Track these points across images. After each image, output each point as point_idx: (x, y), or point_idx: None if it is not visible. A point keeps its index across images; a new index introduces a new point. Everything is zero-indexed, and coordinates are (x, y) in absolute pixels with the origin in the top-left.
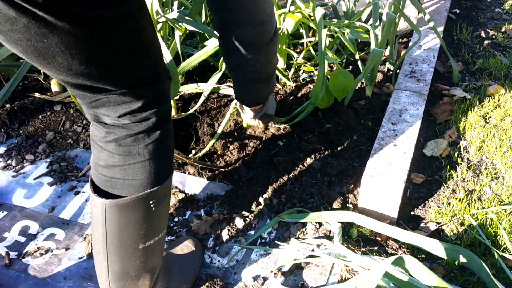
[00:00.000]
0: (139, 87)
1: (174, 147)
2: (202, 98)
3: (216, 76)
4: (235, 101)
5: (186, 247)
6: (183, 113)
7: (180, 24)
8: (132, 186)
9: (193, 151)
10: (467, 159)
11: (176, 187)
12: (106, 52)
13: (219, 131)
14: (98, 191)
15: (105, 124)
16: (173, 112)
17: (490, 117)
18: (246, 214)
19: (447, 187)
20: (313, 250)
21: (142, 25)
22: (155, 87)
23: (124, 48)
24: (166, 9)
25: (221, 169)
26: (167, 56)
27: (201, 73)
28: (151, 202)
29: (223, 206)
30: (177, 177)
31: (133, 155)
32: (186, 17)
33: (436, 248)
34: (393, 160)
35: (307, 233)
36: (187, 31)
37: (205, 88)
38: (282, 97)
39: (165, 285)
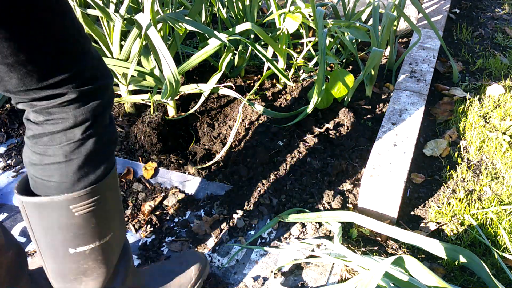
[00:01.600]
0: (56, 86)
1: (173, 143)
2: (202, 99)
3: (216, 77)
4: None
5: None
6: (183, 113)
7: (180, 24)
8: (50, 187)
9: (193, 151)
10: (467, 159)
11: (176, 187)
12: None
13: (229, 141)
14: (24, 189)
15: (27, 120)
16: (173, 112)
17: (490, 117)
18: (246, 214)
19: (447, 187)
20: (313, 250)
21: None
22: (76, 85)
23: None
24: (166, 9)
25: (221, 169)
26: (167, 57)
27: (201, 73)
28: (71, 207)
29: (223, 206)
30: (177, 177)
31: (48, 156)
32: (186, 17)
33: (436, 248)
34: (393, 160)
35: (307, 233)
36: (187, 31)
37: (205, 88)
38: (282, 97)
39: None
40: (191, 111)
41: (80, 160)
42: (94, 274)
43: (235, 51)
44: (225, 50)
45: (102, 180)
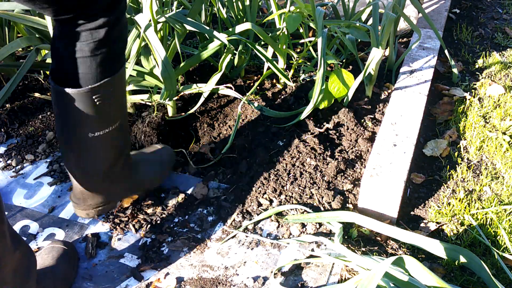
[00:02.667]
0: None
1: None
2: (202, 99)
3: (216, 77)
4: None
5: (154, 148)
6: (183, 113)
7: (180, 24)
8: (75, 79)
9: (193, 151)
10: (467, 159)
11: (176, 187)
12: None
13: (229, 141)
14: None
15: (58, 21)
16: (173, 112)
17: (490, 117)
18: (246, 214)
19: (447, 187)
20: (313, 250)
21: None
22: None
23: None
24: (166, 9)
25: (221, 169)
26: (164, 59)
27: (201, 73)
28: (94, 97)
29: (223, 206)
30: (177, 177)
31: (77, 50)
32: (186, 17)
33: (436, 248)
34: (393, 160)
35: (307, 233)
36: (187, 31)
37: (205, 88)
38: (282, 97)
39: (138, 177)
40: (191, 111)
41: (103, 56)
42: (106, 154)
43: (235, 51)
44: (225, 50)
45: (117, 73)
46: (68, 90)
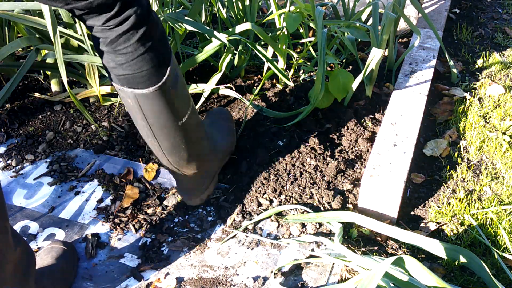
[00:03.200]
0: None
1: None
2: (202, 99)
3: (216, 77)
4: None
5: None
6: None
7: (180, 24)
8: (143, 77)
9: None
10: (467, 159)
11: (176, 187)
12: None
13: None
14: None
15: (99, 31)
16: None
17: (490, 117)
18: (246, 214)
19: (447, 187)
20: (313, 250)
21: None
22: None
23: None
24: (166, 9)
25: (221, 170)
26: None
27: (201, 73)
28: (169, 86)
29: (223, 206)
30: None
31: (131, 52)
32: (186, 17)
33: (436, 248)
34: (393, 160)
35: (307, 233)
36: (187, 31)
37: (205, 88)
38: (282, 97)
39: (220, 145)
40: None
41: (156, 45)
42: (195, 137)
43: (235, 51)
44: (225, 50)
45: (171, 53)
46: (148, 90)
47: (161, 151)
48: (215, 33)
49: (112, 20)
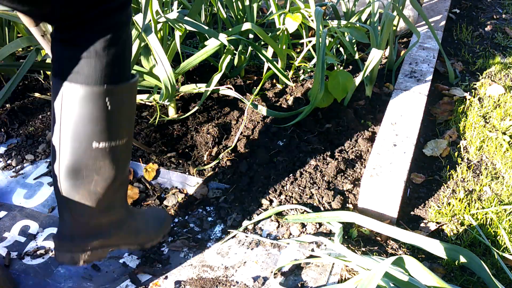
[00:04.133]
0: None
1: (173, 144)
2: (203, 99)
3: (217, 77)
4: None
5: (157, 212)
6: (182, 113)
7: (180, 24)
8: (80, 80)
9: (193, 152)
10: (467, 159)
11: (176, 187)
12: None
13: (234, 142)
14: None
15: (59, 26)
16: (173, 112)
17: (490, 117)
18: (246, 214)
19: (447, 187)
20: (313, 250)
21: None
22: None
23: None
24: (166, 9)
25: (221, 170)
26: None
27: (201, 73)
28: (107, 100)
29: (223, 206)
30: (177, 177)
31: (80, 51)
32: (186, 17)
33: (436, 248)
34: (393, 160)
35: (307, 233)
36: (187, 31)
37: (206, 89)
38: (282, 97)
39: (133, 240)
40: (192, 111)
41: (109, 58)
42: (106, 174)
43: (235, 52)
44: (225, 50)
45: (133, 79)
46: (80, 86)
47: (58, 166)
48: (215, 33)
49: (76, 24)
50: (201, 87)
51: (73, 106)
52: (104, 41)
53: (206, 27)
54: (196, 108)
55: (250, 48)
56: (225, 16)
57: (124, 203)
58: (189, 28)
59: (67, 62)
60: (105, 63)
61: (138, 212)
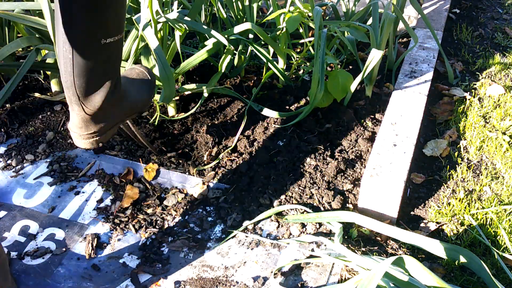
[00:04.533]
0: None
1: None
2: (202, 99)
3: (216, 78)
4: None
5: (141, 73)
6: (183, 113)
7: (180, 24)
8: None
9: (193, 152)
10: (467, 159)
11: (176, 188)
12: None
13: (234, 142)
14: None
15: None
16: (173, 112)
17: (490, 117)
18: (246, 214)
19: (447, 187)
20: (313, 250)
21: None
22: None
23: None
24: (166, 9)
25: (221, 170)
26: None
27: (201, 73)
28: None
29: (223, 206)
30: (177, 178)
31: None
32: (186, 17)
33: (436, 248)
34: (393, 160)
35: (307, 233)
36: (187, 31)
37: (205, 89)
38: (282, 97)
39: (131, 98)
40: (192, 111)
41: None
42: (112, 68)
43: (235, 52)
44: (225, 50)
45: None
46: None
47: (71, 68)
48: (214, 32)
49: None
50: (201, 88)
51: (84, 6)
52: None
53: (206, 27)
54: (196, 108)
55: (250, 48)
56: (225, 16)
57: (120, 85)
58: (189, 27)
59: None
60: None
61: (127, 82)
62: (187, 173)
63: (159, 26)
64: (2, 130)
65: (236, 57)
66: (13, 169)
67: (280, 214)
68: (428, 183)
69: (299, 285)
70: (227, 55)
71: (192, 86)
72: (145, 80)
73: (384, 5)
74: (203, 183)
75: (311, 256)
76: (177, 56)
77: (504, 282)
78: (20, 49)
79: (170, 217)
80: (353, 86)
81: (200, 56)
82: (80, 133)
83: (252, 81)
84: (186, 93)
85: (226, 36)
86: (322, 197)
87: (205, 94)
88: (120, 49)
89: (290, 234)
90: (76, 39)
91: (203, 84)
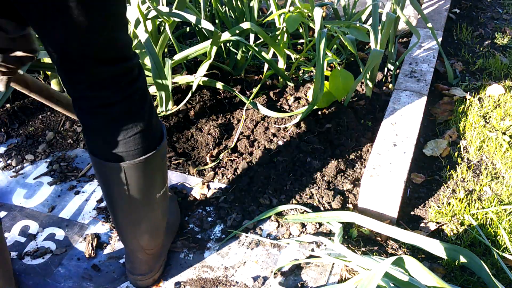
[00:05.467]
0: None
1: (170, 150)
2: (196, 83)
3: (206, 64)
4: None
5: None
6: (184, 107)
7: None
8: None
9: (193, 152)
10: (467, 159)
11: (176, 187)
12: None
13: (233, 141)
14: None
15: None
16: (171, 105)
17: (490, 117)
18: (246, 214)
19: (447, 187)
20: (313, 250)
21: None
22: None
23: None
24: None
25: (221, 170)
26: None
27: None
28: (160, 153)
29: (223, 206)
30: (177, 177)
31: (128, 130)
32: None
33: (436, 248)
34: (393, 160)
35: (307, 233)
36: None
37: (197, 75)
38: (282, 97)
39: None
40: (184, 101)
41: (150, 121)
42: (166, 211)
43: (235, 52)
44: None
45: (164, 138)
46: (140, 159)
47: (136, 227)
48: (203, 22)
49: (104, 106)
50: (189, 78)
51: (137, 174)
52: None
53: (190, 15)
54: (187, 99)
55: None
56: (225, 16)
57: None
58: (177, 19)
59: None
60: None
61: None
62: (187, 173)
63: (149, 22)
64: (2, 130)
65: (239, 55)
66: (13, 169)
67: (280, 214)
68: (428, 183)
69: (299, 285)
70: (212, 47)
71: (184, 77)
72: (171, 198)
73: (384, 5)
74: (203, 183)
75: (311, 256)
76: (174, 54)
77: (504, 282)
78: None
79: None
80: (354, 86)
81: (197, 50)
82: (147, 274)
83: (253, 81)
84: (183, 85)
85: (228, 35)
86: (322, 197)
87: (196, 81)
88: (166, 193)
89: (290, 234)
90: (135, 199)
91: (190, 76)
